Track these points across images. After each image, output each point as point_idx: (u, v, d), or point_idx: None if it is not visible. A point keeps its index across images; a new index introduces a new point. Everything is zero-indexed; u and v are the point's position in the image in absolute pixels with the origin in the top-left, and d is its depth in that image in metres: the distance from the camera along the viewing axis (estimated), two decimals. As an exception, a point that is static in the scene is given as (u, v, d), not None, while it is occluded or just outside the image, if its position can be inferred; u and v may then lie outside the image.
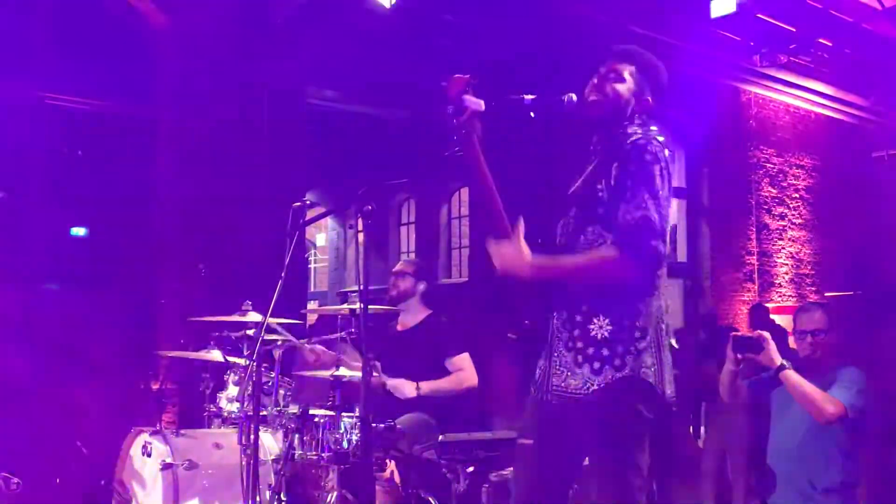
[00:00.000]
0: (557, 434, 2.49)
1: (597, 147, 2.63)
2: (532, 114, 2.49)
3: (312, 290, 18.81)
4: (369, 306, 2.72)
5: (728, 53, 11.58)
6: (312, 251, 19.31)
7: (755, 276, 13.07)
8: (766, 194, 13.37)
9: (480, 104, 2.36)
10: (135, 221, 7.97)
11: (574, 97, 2.54)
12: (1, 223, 7.92)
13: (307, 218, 3.91)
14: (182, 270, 7.16)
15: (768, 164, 13.48)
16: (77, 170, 8.53)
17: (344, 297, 17.59)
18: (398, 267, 4.71)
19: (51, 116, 7.46)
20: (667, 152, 2.53)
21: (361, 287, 2.57)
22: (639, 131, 2.56)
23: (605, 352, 2.41)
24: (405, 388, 4.29)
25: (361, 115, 11.58)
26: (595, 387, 2.40)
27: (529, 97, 2.48)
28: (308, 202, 3.55)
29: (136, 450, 3.97)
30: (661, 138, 2.55)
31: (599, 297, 2.44)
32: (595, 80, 2.63)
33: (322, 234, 20.64)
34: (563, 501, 2.56)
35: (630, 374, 2.39)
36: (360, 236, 3.28)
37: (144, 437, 3.93)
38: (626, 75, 2.62)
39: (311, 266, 20.40)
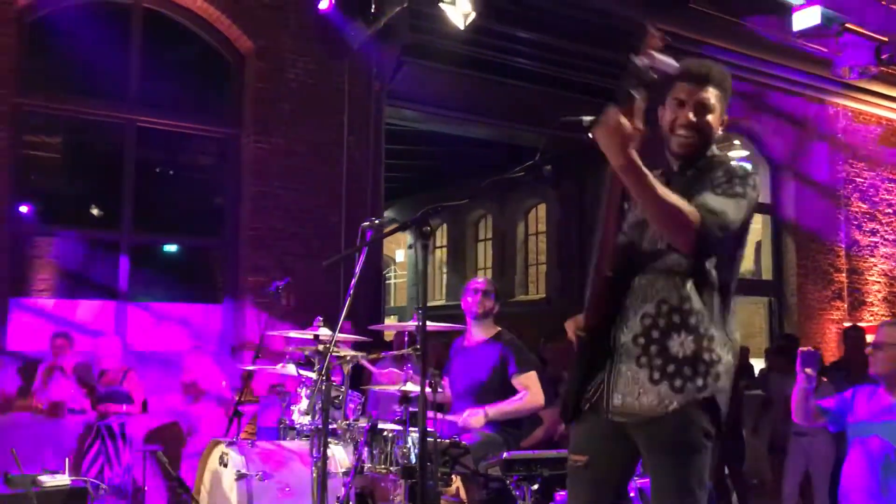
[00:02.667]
0: (614, 453, 2.46)
1: (685, 172, 2.55)
2: (591, 135, 2.48)
3: (392, 305, 19.04)
4: (427, 324, 2.76)
5: (814, 66, 11.28)
6: (392, 267, 19.54)
7: (844, 294, 12.61)
8: (857, 209, 12.91)
9: (673, 65, 2.32)
10: (219, 237, 8.25)
11: None
12: (96, 240, 8.33)
13: (381, 234, 3.98)
14: (262, 286, 7.35)
15: (858, 179, 13.02)
16: (165, 186, 8.92)
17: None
18: (486, 286, 4.68)
19: (141, 137, 7.79)
20: (758, 183, 2.53)
21: (419, 306, 2.61)
22: (739, 155, 2.59)
23: (688, 371, 2.36)
24: (473, 419, 4.32)
25: (438, 135, 11.71)
26: (675, 405, 2.36)
27: (588, 118, 2.46)
28: (377, 221, 3.61)
29: (213, 460, 4.11)
30: (745, 152, 2.56)
31: (678, 314, 2.40)
32: (683, 114, 2.53)
33: (401, 250, 20.89)
34: None
35: (710, 396, 2.37)
36: (420, 255, 3.37)
37: (221, 447, 4.07)
38: (714, 102, 2.53)
39: (392, 282, 20.66)
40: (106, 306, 7.67)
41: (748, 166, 2.52)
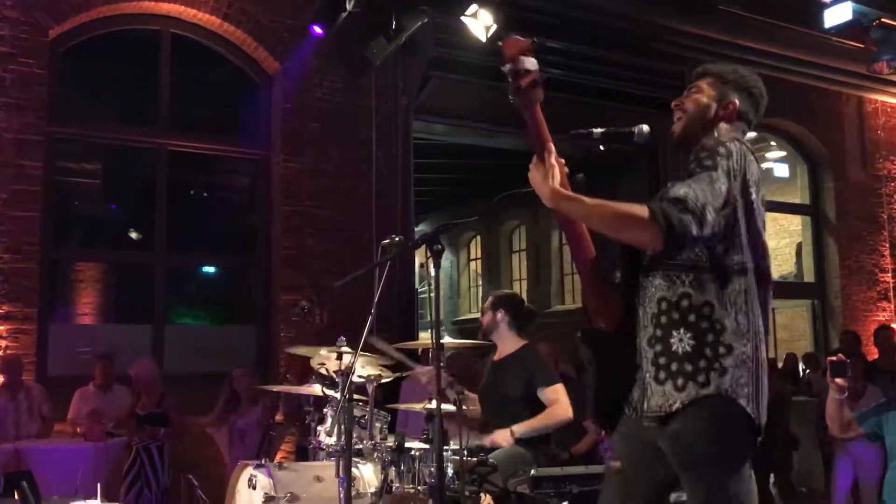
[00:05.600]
0: (646, 462, 2.37)
1: (685, 165, 2.52)
2: (602, 147, 2.45)
3: (428, 319, 19.02)
4: (447, 340, 2.73)
5: (850, 62, 11.06)
6: (427, 281, 19.55)
7: (891, 294, 12.30)
8: (900, 207, 12.61)
9: (536, 68, 2.35)
10: (251, 257, 8.31)
11: (646, 129, 2.47)
12: (132, 263, 8.43)
13: (396, 253, 3.96)
14: (295, 305, 7.37)
15: (900, 175, 12.72)
16: (198, 209, 9.03)
17: (458, 326, 17.71)
18: (486, 303, 4.74)
19: (172, 161, 7.89)
20: (752, 160, 2.36)
21: (433, 326, 2.58)
22: (725, 138, 2.42)
23: (689, 367, 2.26)
24: (500, 438, 4.28)
25: (468, 147, 11.70)
26: (677, 405, 2.26)
27: (598, 130, 2.44)
28: (397, 239, 3.59)
29: (242, 483, 4.10)
30: (743, 144, 2.40)
31: (677, 310, 2.30)
32: (675, 103, 2.57)
33: (438, 264, 20.82)
34: None
35: (715, 392, 2.23)
36: (433, 274, 3.33)
37: (249, 470, 4.06)
38: (704, 86, 2.54)
39: (429, 296, 20.65)
40: (143, 329, 7.75)
41: (722, 137, 2.39)
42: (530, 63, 2.32)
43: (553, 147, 2.32)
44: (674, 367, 2.29)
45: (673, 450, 2.29)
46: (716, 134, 2.47)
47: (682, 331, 2.29)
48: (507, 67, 2.35)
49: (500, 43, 2.38)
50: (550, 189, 2.28)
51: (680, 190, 2.24)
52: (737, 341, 2.27)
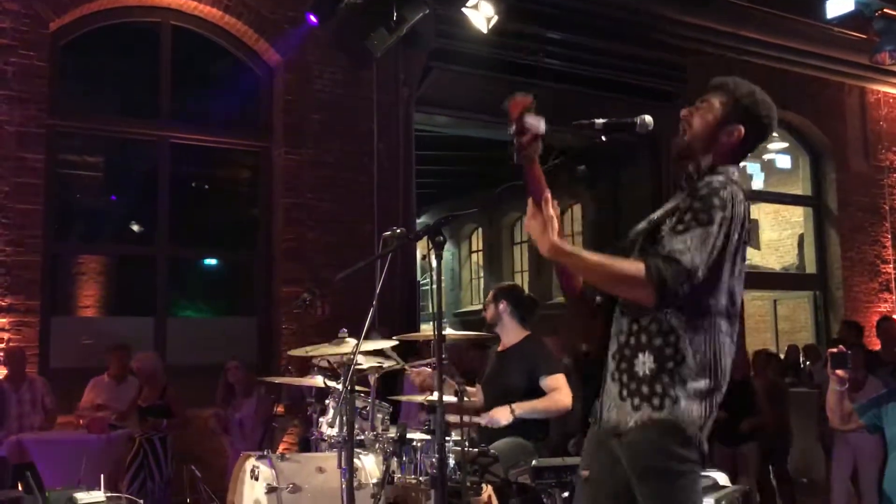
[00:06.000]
0: (612, 470, 2.41)
1: (682, 183, 2.51)
2: (604, 137, 2.45)
3: (430, 311, 19.04)
4: (448, 332, 2.73)
5: (852, 52, 11.03)
6: (430, 273, 19.56)
7: (892, 285, 12.30)
8: (902, 198, 12.60)
9: (541, 126, 2.34)
10: (253, 249, 8.33)
11: (648, 119, 2.44)
12: (134, 256, 8.45)
13: (397, 245, 3.96)
14: (296, 298, 7.38)
15: (902, 166, 12.70)
16: (200, 201, 9.03)
17: (460, 318, 17.73)
18: (488, 296, 4.77)
19: (174, 154, 7.90)
20: (741, 200, 2.35)
21: (435, 318, 2.59)
22: (720, 172, 2.41)
23: (646, 390, 2.33)
24: (500, 415, 4.30)
25: (470, 139, 11.68)
26: (632, 423, 2.34)
27: (601, 121, 2.44)
28: (398, 231, 3.60)
29: (244, 473, 4.12)
30: (741, 186, 2.40)
31: (645, 333, 2.35)
32: (683, 114, 2.53)
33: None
34: None
35: (668, 417, 2.30)
36: (434, 265, 3.33)
37: (252, 461, 4.08)
38: (715, 104, 2.47)
39: (430, 288, 20.68)
40: (145, 321, 7.77)
41: (714, 185, 2.35)
42: (532, 120, 2.34)
43: (550, 196, 2.33)
44: (632, 386, 2.36)
45: (626, 460, 2.37)
46: (714, 168, 2.45)
47: (646, 353, 2.35)
48: (511, 129, 2.36)
49: (504, 106, 2.38)
50: (550, 243, 2.29)
51: (677, 246, 2.26)
52: (694, 376, 2.32)
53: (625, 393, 2.38)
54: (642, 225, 2.51)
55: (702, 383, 2.33)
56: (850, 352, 3.39)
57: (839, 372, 3.32)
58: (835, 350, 3.34)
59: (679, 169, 2.57)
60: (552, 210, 2.31)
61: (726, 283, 2.36)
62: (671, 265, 2.22)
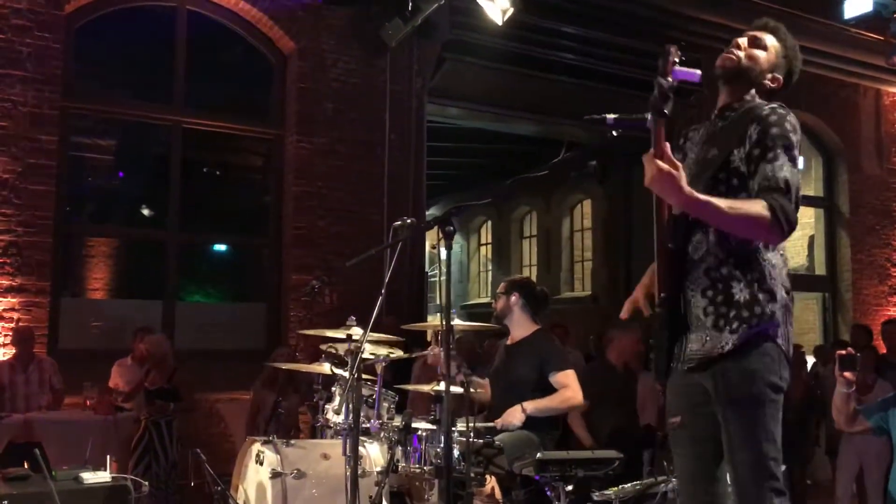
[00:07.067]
0: (703, 409, 2.48)
1: (725, 114, 2.60)
2: (615, 132, 2.46)
3: (437, 302, 19.06)
4: (456, 323, 2.73)
5: (868, 54, 10.96)
6: (438, 264, 19.56)
7: (902, 289, 12.25)
8: (914, 202, 12.53)
9: (696, 74, 2.38)
10: (263, 236, 8.34)
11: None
12: (144, 239, 8.48)
13: (408, 234, 3.96)
14: (306, 285, 7.40)
15: (916, 170, 12.62)
16: (211, 187, 9.05)
17: (467, 310, 17.72)
18: (499, 288, 4.78)
19: (186, 138, 7.91)
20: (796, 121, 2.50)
21: (444, 307, 2.58)
22: (774, 103, 2.52)
23: (745, 313, 2.42)
24: (512, 417, 4.30)
25: (480, 131, 11.67)
26: (730, 345, 2.41)
27: (612, 116, 2.45)
28: (408, 221, 3.59)
29: (249, 458, 4.14)
30: (791, 113, 2.51)
31: (733, 264, 2.45)
32: (737, 40, 2.62)
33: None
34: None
35: (763, 332, 2.41)
36: (444, 255, 3.33)
37: (257, 446, 4.09)
38: (770, 47, 2.63)
39: (438, 279, 20.68)
40: (154, 305, 7.80)
41: (779, 111, 2.46)
42: (687, 69, 2.37)
43: (669, 150, 2.35)
44: (732, 313, 2.43)
45: (717, 387, 2.43)
46: (761, 99, 2.57)
47: (742, 283, 2.44)
48: (667, 80, 2.36)
49: (666, 50, 2.39)
50: (685, 192, 2.31)
51: (779, 174, 2.37)
52: (779, 287, 2.46)
53: (721, 322, 2.45)
54: (689, 167, 2.55)
55: (784, 292, 2.48)
56: (859, 354, 3.37)
57: (847, 374, 3.31)
58: (843, 352, 3.33)
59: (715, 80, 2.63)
60: (675, 160, 2.33)
61: None
62: (786, 199, 2.34)
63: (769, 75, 2.60)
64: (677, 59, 2.35)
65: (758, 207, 2.32)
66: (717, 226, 2.44)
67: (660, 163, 2.26)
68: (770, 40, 2.62)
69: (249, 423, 6.52)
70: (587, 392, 4.50)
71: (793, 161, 2.40)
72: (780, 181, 2.35)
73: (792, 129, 2.42)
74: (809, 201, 12.93)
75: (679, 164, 2.30)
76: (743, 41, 2.61)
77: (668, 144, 2.30)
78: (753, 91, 2.59)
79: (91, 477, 3.94)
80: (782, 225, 2.32)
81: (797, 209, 2.37)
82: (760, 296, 2.42)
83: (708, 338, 2.45)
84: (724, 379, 2.41)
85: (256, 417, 6.46)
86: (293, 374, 6.45)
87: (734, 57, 2.58)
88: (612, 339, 5.70)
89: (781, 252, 2.51)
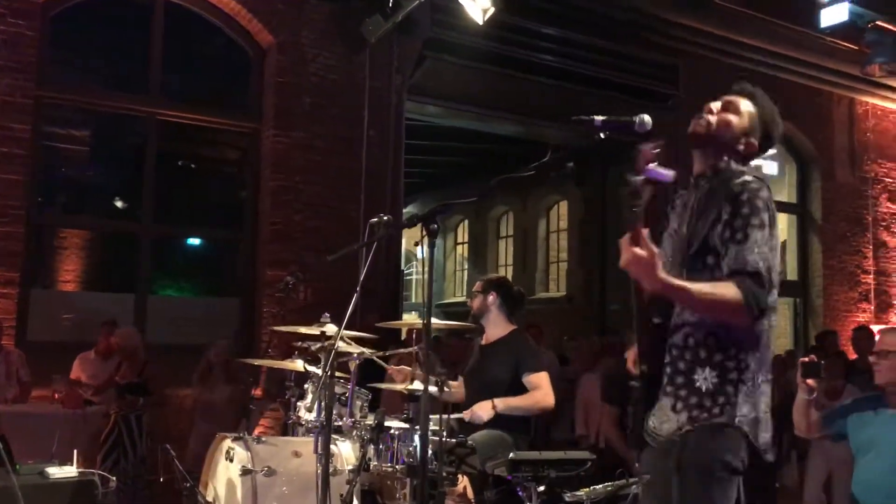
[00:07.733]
0: (663, 468, 2.46)
1: (699, 183, 2.57)
2: (602, 135, 2.45)
3: (414, 301, 19.04)
4: (434, 322, 2.73)
5: (843, 63, 11.10)
6: (414, 262, 19.55)
7: (871, 295, 12.40)
8: (885, 210, 12.69)
9: (670, 175, 2.35)
10: (238, 230, 8.27)
11: (647, 118, 2.44)
12: (117, 232, 8.38)
13: (388, 232, 3.95)
14: (280, 280, 7.36)
15: (888, 179, 12.79)
16: (186, 180, 8.97)
17: (443, 309, 17.72)
18: (475, 287, 4.75)
19: (162, 131, 7.83)
20: (769, 194, 2.49)
21: (426, 306, 2.57)
22: (747, 174, 2.48)
23: (708, 402, 2.40)
24: (481, 410, 4.29)
25: (459, 130, 11.67)
26: (687, 427, 2.41)
27: (600, 118, 2.43)
28: (386, 218, 3.58)
29: (220, 455, 4.10)
30: (764, 183, 2.50)
31: (704, 348, 2.42)
32: (709, 106, 2.59)
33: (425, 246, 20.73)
34: None
35: (727, 421, 2.38)
36: (426, 254, 3.32)
37: (228, 442, 4.06)
38: (744, 111, 2.59)
39: (414, 277, 20.67)
40: (126, 298, 7.71)
41: (751, 186, 2.43)
42: (663, 171, 2.34)
43: (645, 232, 2.31)
44: (692, 400, 2.42)
45: (671, 456, 2.41)
46: (738, 170, 2.53)
47: (706, 369, 2.42)
48: (638, 178, 2.31)
49: (637, 155, 2.35)
50: (660, 279, 2.28)
51: (757, 262, 2.34)
52: (753, 378, 2.42)
53: (679, 406, 2.44)
54: (671, 236, 2.58)
55: (760, 381, 2.44)
56: (825, 361, 3.40)
57: (809, 381, 3.33)
58: (806, 359, 3.35)
59: (689, 147, 2.61)
60: (651, 246, 2.30)
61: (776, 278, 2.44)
62: (756, 283, 2.31)
63: (743, 140, 2.57)
64: (652, 161, 2.32)
65: (731, 292, 2.31)
66: (691, 310, 2.44)
67: (636, 249, 2.25)
68: (745, 105, 2.59)
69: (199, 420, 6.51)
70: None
71: (766, 239, 2.36)
72: (749, 265, 2.33)
73: (763, 207, 2.40)
74: (782, 207, 13.05)
75: (654, 250, 2.28)
76: (716, 106, 2.58)
77: (645, 231, 2.29)
78: (726, 157, 2.56)
79: (57, 472, 3.89)
80: (753, 310, 2.31)
81: (773, 287, 2.35)
82: (729, 388, 2.40)
83: (666, 419, 2.46)
84: (678, 449, 2.40)
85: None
86: (228, 366, 6.48)
87: (703, 123, 2.55)
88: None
89: (770, 322, 2.45)
